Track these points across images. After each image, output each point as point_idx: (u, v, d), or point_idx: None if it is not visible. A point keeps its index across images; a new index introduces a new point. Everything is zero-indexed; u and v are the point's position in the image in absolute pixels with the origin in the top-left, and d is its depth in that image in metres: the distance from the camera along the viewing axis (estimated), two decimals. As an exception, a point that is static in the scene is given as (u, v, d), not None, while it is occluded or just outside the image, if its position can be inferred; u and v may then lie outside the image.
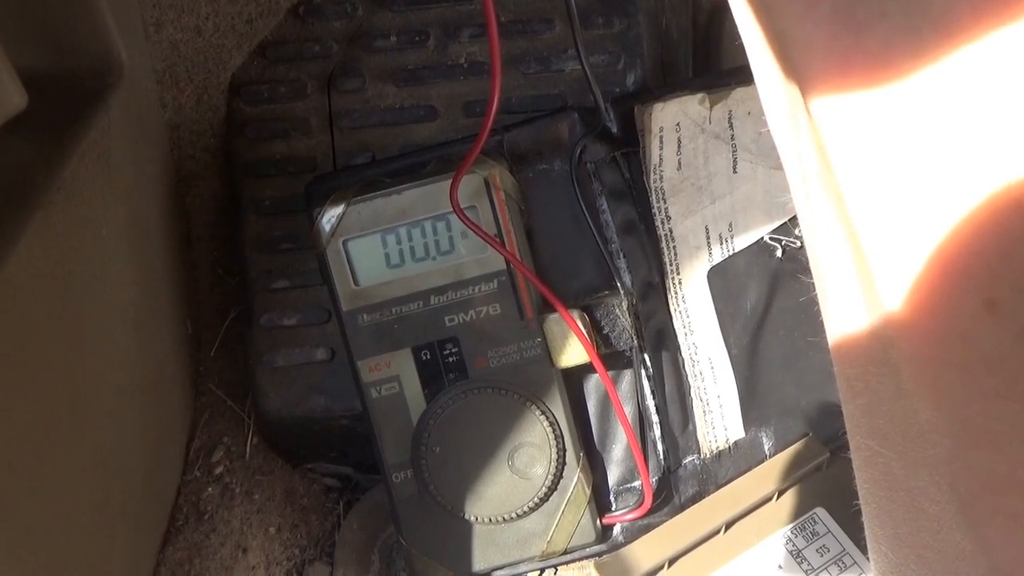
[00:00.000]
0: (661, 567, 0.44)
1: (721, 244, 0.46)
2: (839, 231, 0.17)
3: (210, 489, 0.49)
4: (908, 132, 0.15)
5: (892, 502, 0.19)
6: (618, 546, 0.45)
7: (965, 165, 0.14)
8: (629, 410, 0.45)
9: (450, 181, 0.42)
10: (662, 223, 0.45)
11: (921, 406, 0.16)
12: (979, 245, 0.14)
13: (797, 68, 0.16)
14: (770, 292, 0.47)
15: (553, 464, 0.44)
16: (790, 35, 0.16)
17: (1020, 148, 0.13)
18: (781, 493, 0.46)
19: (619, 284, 0.44)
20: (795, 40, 0.16)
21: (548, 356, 0.43)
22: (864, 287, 0.17)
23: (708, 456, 0.47)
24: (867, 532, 0.22)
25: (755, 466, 0.47)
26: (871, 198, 0.16)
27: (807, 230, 0.19)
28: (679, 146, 0.44)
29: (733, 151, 0.45)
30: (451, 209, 0.42)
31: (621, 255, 0.45)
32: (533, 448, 0.44)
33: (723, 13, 0.57)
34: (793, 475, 0.46)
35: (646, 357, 0.45)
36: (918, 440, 0.17)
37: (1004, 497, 0.16)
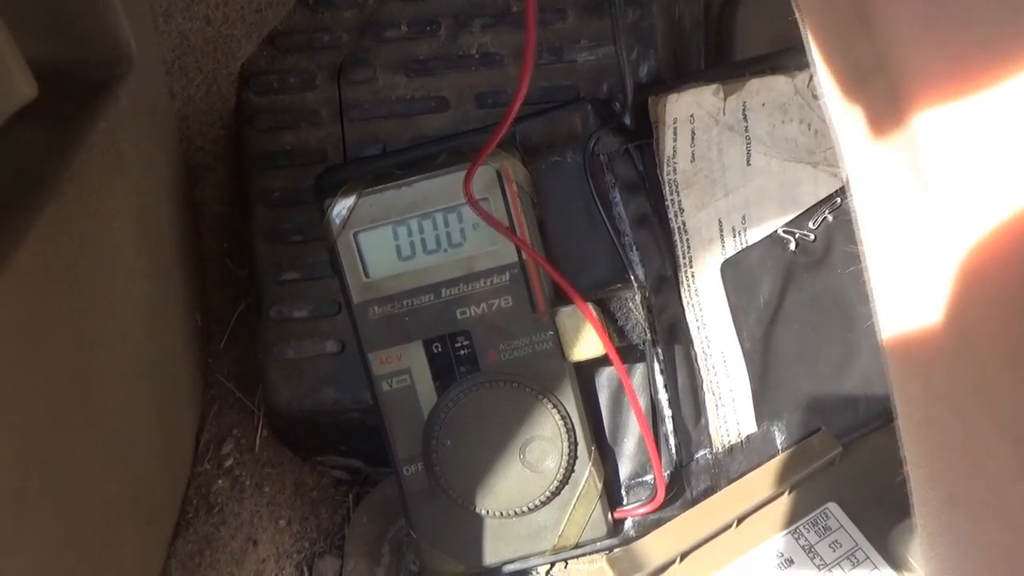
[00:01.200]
0: (673, 561, 0.44)
1: (734, 237, 0.46)
2: (915, 204, 0.17)
3: (220, 481, 0.49)
4: (1005, 129, 0.15)
5: (947, 461, 0.19)
6: (630, 540, 0.45)
7: None
8: (641, 404, 0.45)
9: (462, 173, 0.41)
10: (675, 216, 0.45)
11: (987, 363, 0.17)
12: None
13: (882, 55, 0.16)
14: (783, 285, 0.47)
15: (565, 458, 0.43)
16: (879, 19, 0.16)
17: None
18: (793, 488, 0.46)
19: (632, 277, 0.44)
20: (884, 26, 0.16)
21: (560, 350, 0.43)
22: (933, 255, 0.17)
23: (720, 450, 0.47)
24: (915, 498, 0.22)
25: (767, 460, 0.47)
26: (963, 185, 0.16)
27: (865, 203, 0.19)
28: (693, 138, 0.44)
29: (747, 143, 0.45)
30: (463, 201, 0.41)
31: (634, 248, 0.44)
32: (545, 442, 0.43)
33: (736, 3, 0.56)
34: (805, 470, 0.46)
35: (659, 351, 0.45)
36: (981, 397, 0.17)
37: None
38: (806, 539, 0.45)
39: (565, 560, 0.49)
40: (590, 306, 0.43)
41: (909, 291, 0.18)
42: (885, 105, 0.17)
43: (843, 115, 0.18)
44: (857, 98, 0.17)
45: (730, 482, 0.46)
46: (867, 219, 0.19)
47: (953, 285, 0.17)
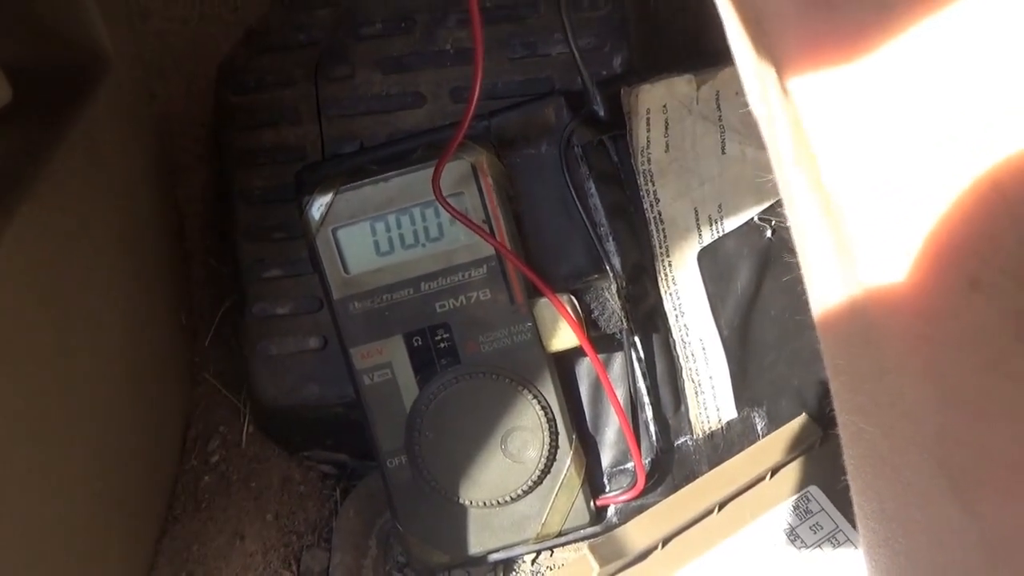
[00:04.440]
0: (655, 547, 0.44)
1: (711, 225, 0.46)
2: (818, 210, 0.17)
3: (207, 478, 0.49)
4: (884, 110, 0.15)
5: (878, 477, 0.19)
6: (612, 527, 0.45)
7: (941, 145, 0.14)
8: (621, 392, 0.45)
9: (437, 168, 0.42)
10: (651, 206, 0.45)
11: (907, 384, 0.16)
12: (963, 227, 0.14)
13: (771, 45, 0.16)
14: (760, 272, 0.47)
15: (546, 447, 0.44)
16: (764, 11, 0.16)
17: (995, 127, 0.13)
18: (774, 472, 0.46)
19: (608, 267, 0.44)
20: (768, 16, 0.16)
21: (539, 340, 0.44)
22: (845, 266, 0.17)
23: (701, 437, 0.47)
24: (855, 507, 0.22)
25: (748, 446, 0.47)
26: (850, 178, 0.15)
27: (788, 210, 0.19)
28: (667, 128, 0.44)
29: (721, 132, 0.45)
30: (439, 195, 0.42)
31: (610, 238, 0.45)
32: (526, 432, 0.44)
33: (712, -7, 0.57)
34: (786, 454, 0.46)
35: (637, 340, 0.45)
36: (903, 418, 0.17)
37: (996, 471, 0.16)
38: (788, 523, 0.45)
39: (550, 548, 0.49)
40: (565, 298, 0.43)
41: (827, 292, 0.18)
42: (766, 71, 0.16)
43: (748, 93, 0.18)
44: (750, 75, 0.17)
45: (711, 468, 0.47)
46: (786, 202, 0.19)
47: (857, 293, 0.16)
